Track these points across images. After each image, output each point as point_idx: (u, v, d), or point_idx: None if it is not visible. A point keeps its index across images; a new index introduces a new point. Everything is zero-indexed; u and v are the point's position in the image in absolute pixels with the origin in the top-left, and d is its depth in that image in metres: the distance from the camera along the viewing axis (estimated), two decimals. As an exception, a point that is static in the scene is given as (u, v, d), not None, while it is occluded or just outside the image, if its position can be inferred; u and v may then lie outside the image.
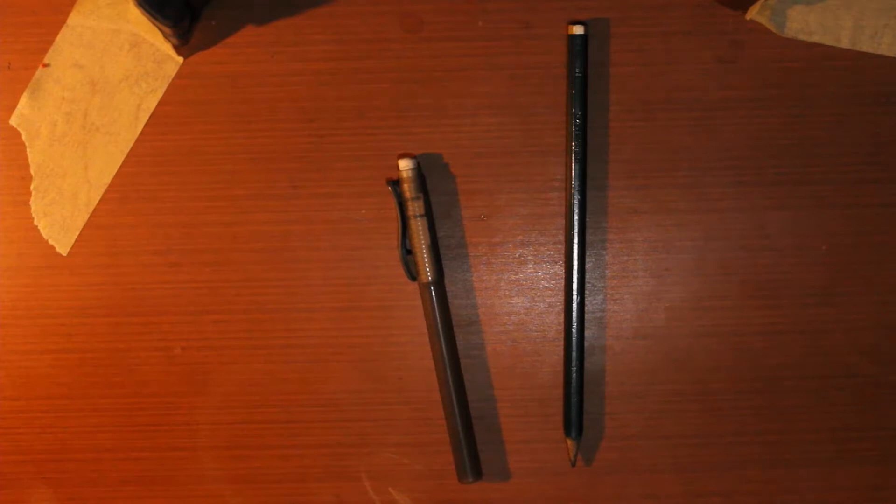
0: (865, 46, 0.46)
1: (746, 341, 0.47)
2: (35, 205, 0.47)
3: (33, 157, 0.47)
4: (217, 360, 0.47)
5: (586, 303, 0.46)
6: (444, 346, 0.46)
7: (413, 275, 0.46)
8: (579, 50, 0.44)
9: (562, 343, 0.47)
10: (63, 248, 0.47)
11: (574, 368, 0.45)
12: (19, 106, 0.46)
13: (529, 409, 0.47)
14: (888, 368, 0.47)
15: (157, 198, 0.47)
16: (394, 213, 0.46)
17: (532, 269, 0.47)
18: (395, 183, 0.45)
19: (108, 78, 0.46)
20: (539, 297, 0.47)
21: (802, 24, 0.46)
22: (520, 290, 0.47)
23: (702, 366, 0.47)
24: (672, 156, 0.46)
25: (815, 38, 0.46)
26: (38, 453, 0.48)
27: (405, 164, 0.45)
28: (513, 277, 0.47)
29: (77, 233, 0.47)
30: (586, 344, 0.46)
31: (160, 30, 0.44)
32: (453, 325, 0.47)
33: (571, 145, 0.45)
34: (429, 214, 0.45)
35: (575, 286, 0.45)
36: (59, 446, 0.48)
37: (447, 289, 0.47)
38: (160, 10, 0.41)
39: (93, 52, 0.46)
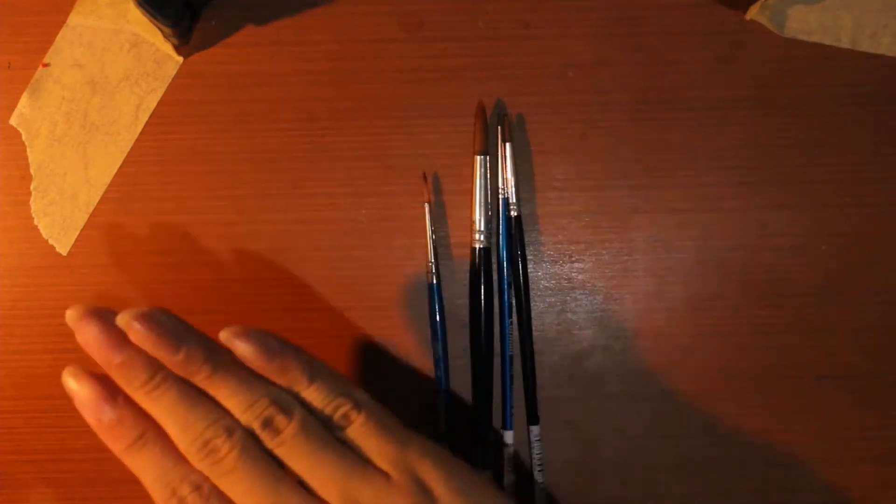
0: (865, 46, 0.46)
1: (746, 341, 0.47)
2: (35, 205, 0.47)
3: (33, 157, 0.47)
4: (217, 360, 0.47)
5: (587, 302, 0.46)
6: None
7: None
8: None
9: (562, 343, 0.46)
10: (63, 248, 0.47)
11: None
12: (19, 106, 0.46)
13: (529, 409, 0.47)
14: (888, 368, 0.47)
15: (157, 198, 0.47)
16: (393, 212, 0.46)
17: (532, 269, 0.47)
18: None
19: (108, 78, 0.46)
20: (539, 297, 0.47)
21: (802, 24, 0.46)
22: (520, 290, 0.47)
23: (702, 366, 0.47)
24: (672, 156, 0.46)
25: (815, 38, 0.46)
26: (38, 453, 0.48)
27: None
28: (513, 277, 0.47)
29: (77, 233, 0.47)
30: (586, 344, 0.46)
31: (160, 30, 0.44)
32: (453, 325, 0.47)
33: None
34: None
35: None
36: (59, 446, 0.48)
37: (447, 289, 0.47)
38: (160, 10, 0.41)
39: (93, 52, 0.46)
